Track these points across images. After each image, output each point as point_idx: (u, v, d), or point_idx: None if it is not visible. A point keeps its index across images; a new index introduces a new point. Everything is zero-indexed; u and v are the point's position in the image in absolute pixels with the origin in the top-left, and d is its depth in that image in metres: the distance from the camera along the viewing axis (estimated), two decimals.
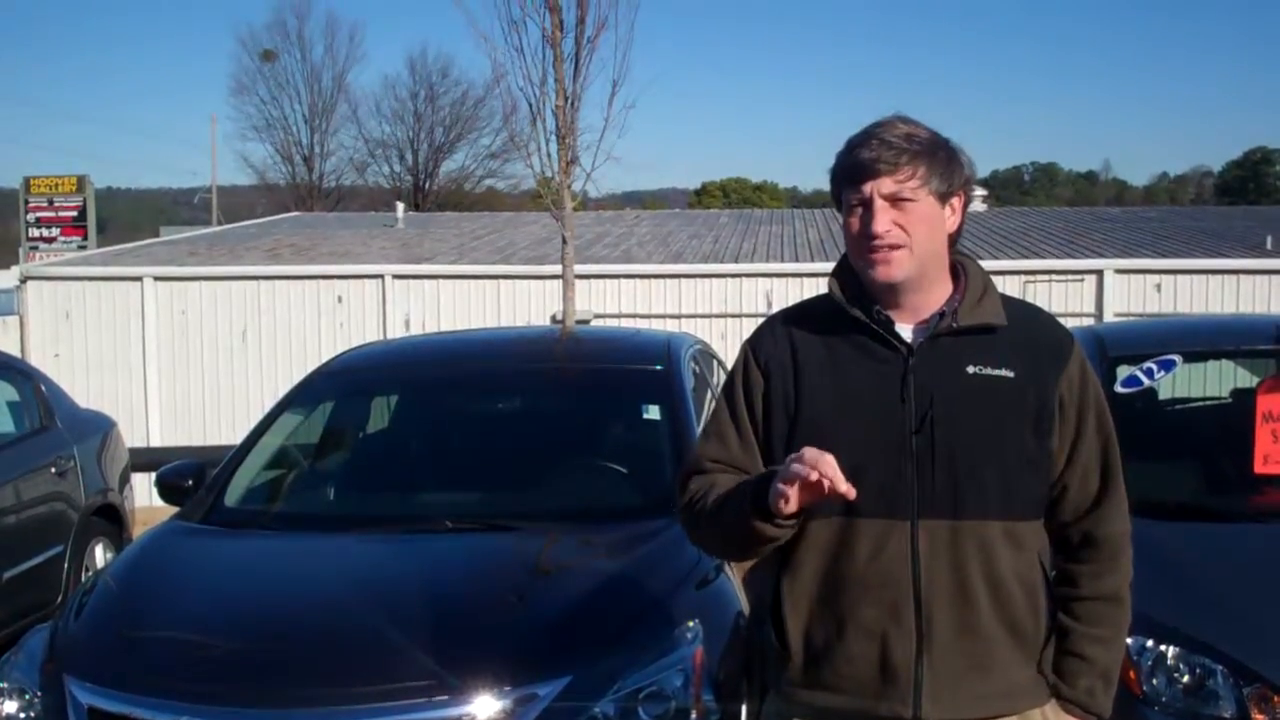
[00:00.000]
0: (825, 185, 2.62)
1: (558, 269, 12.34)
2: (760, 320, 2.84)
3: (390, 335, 15.99)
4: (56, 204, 30.22)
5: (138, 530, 7.89)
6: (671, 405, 5.30)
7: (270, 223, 27.39)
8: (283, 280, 17.54)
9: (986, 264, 2.69)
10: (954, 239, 2.57)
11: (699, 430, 4.88)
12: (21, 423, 7.92)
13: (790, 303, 2.83)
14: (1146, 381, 5.18)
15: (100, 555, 8.13)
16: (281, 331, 17.27)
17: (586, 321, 15.26)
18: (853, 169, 2.47)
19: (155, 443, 16.49)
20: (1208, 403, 6.97)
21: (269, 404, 6.05)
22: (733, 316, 16.65)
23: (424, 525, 4.71)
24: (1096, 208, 40.97)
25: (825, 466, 2.25)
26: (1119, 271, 16.53)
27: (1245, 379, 6.19)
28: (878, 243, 2.45)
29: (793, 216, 25.65)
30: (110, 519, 8.42)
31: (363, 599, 4.10)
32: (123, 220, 59.62)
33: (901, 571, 2.46)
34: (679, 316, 16.57)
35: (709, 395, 5.83)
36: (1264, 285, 16.27)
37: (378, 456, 5.81)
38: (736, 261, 17.79)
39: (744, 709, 3.90)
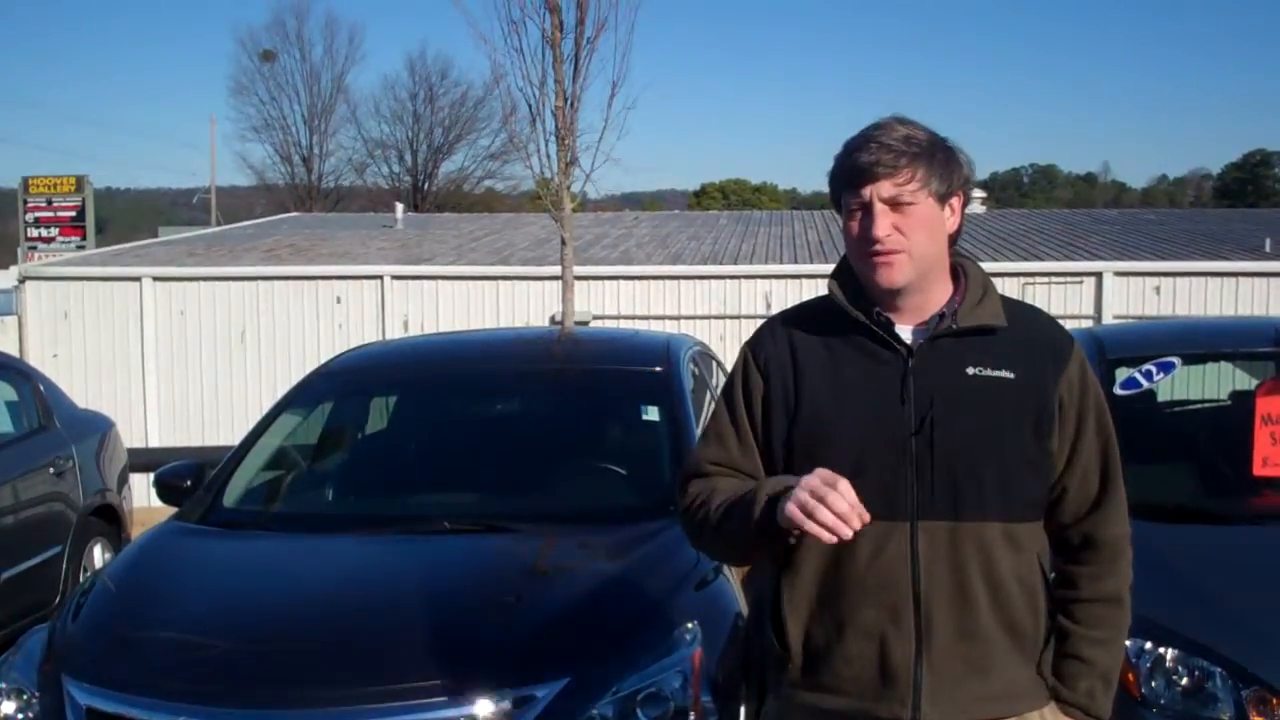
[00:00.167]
0: (824, 187, 2.62)
1: (557, 270, 12.36)
2: (759, 322, 2.84)
3: (389, 336, 16.00)
4: (55, 204, 30.23)
5: (136, 531, 7.89)
6: (671, 406, 5.30)
7: (269, 223, 27.42)
8: (281, 281, 17.56)
9: (985, 266, 2.69)
10: (954, 239, 2.57)
11: (698, 432, 4.89)
12: (20, 423, 7.91)
13: (789, 304, 2.83)
14: (1145, 383, 5.18)
15: (98, 556, 8.12)
16: (280, 332, 17.28)
17: (585, 323, 15.27)
18: (851, 172, 2.47)
19: (154, 443, 16.50)
20: (1206, 405, 6.97)
21: (267, 404, 6.05)
22: (732, 318, 16.68)
23: (422, 526, 4.70)
24: (1095, 210, 40.99)
25: (837, 502, 2.24)
26: (1118, 274, 16.56)
27: (1244, 381, 6.19)
28: (878, 247, 2.45)
29: (792, 218, 25.68)
30: (109, 519, 8.41)
31: (361, 600, 4.10)
32: (121, 221, 59.64)
33: (901, 573, 2.45)
34: (678, 318, 16.59)
35: (708, 396, 5.82)
36: (1262, 287, 16.30)
37: (376, 457, 5.81)
38: (736, 263, 17.82)
39: (742, 710, 3.90)
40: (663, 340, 6.33)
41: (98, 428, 8.77)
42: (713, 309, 16.91)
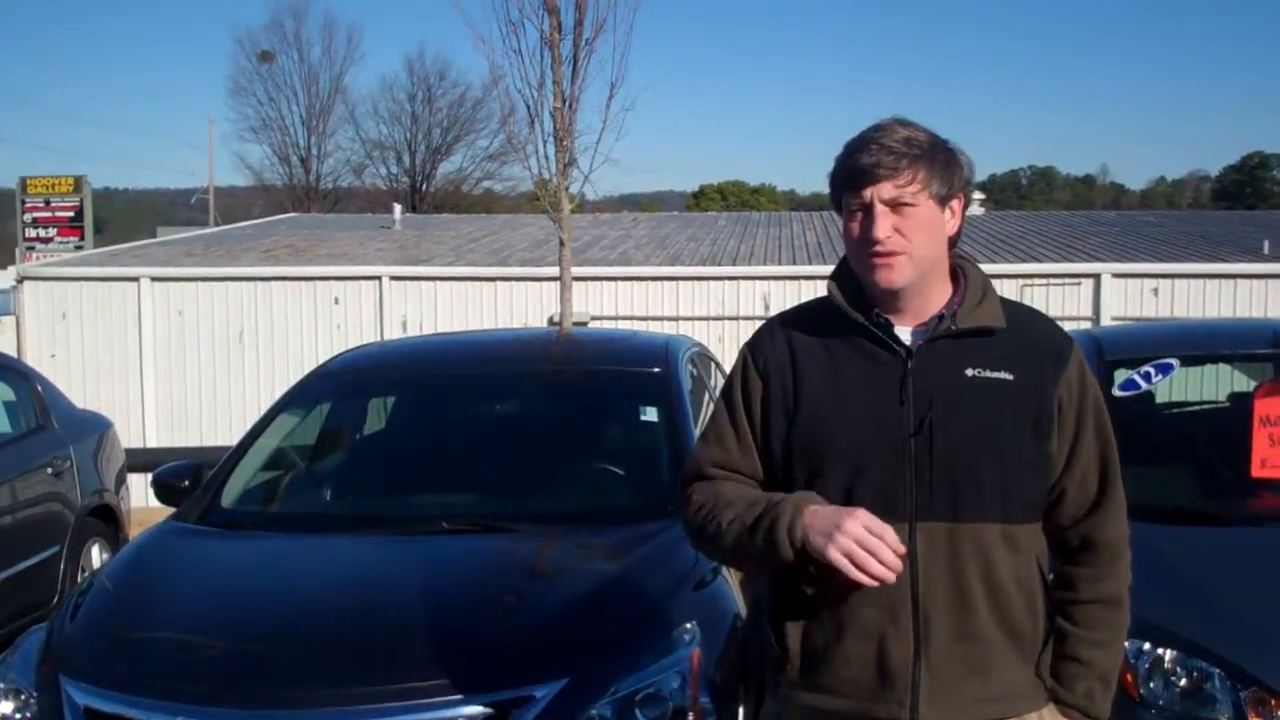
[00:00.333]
0: (823, 188, 2.62)
1: (555, 271, 12.35)
2: (758, 323, 2.84)
3: (387, 337, 15.99)
4: (53, 204, 30.22)
5: (134, 531, 7.88)
6: (669, 407, 5.30)
7: (267, 224, 27.41)
8: (280, 281, 17.56)
9: (983, 267, 2.68)
10: (953, 241, 2.57)
11: (697, 433, 4.89)
12: (18, 423, 7.91)
13: (788, 305, 2.83)
14: (1144, 385, 5.18)
15: (96, 556, 8.12)
16: (278, 332, 17.28)
17: (584, 323, 15.27)
18: (852, 174, 2.47)
19: (152, 443, 16.49)
20: (1205, 406, 6.98)
21: (266, 405, 6.05)
22: (730, 319, 16.68)
23: (421, 527, 4.70)
24: (1094, 211, 40.99)
25: (885, 554, 2.31)
26: (1116, 275, 16.57)
27: (1242, 383, 6.20)
28: (878, 248, 2.45)
29: (791, 219, 25.67)
30: (106, 520, 8.41)
31: (359, 600, 4.10)
32: (120, 221, 59.61)
33: (899, 574, 2.45)
34: (676, 319, 16.59)
35: (706, 397, 5.82)
36: (1260, 289, 16.31)
37: (375, 458, 5.81)
38: (734, 264, 17.82)
39: (741, 711, 3.90)
40: (661, 341, 6.33)
41: (96, 428, 8.77)
42: (711, 310, 16.91)
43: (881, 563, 2.31)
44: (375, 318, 17.25)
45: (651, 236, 21.93)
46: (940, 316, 2.54)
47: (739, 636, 4.05)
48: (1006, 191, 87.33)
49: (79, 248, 28.31)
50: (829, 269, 2.67)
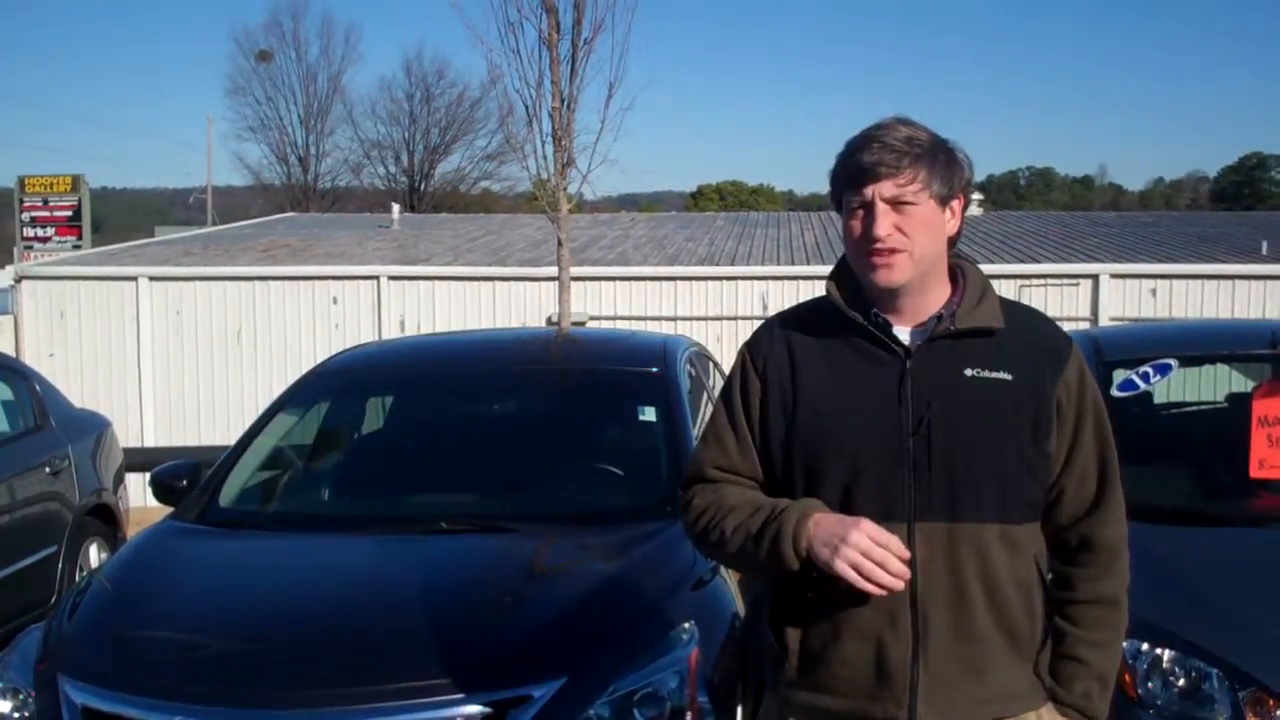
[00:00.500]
0: (822, 188, 2.62)
1: (553, 271, 12.34)
2: (756, 323, 2.84)
3: (385, 336, 15.99)
4: (51, 203, 30.17)
5: (132, 530, 7.88)
6: (668, 407, 5.30)
7: (265, 223, 27.42)
8: (278, 281, 17.56)
9: (982, 268, 2.68)
10: (953, 241, 2.57)
11: (696, 433, 4.90)
12: (16, 422, 7.91)
13: (786, 305, 2.83)
14: (1142, 385, 5.18)
15: (94, 555, 8.11)
16: (276, 332, 17.28)
17: (582, 323, 15.26)
18: (853, 172, 2.47)
19: (150, 443, 16.50)
20: (1203, 407, 6.98)
21: (264, 404, 6.05)
22: (729, 319, 16.69)
23: (419, 526, 4.70)
24: (1092, 212, 40.99)
25: (893, 564, 2.34)
26: (1114, 276, 16.58)
27: (1240, 383, 6.20)
28: (879, 246, 2.45)
29: (789, 219, 25.66)
30: (104, 519, 8.41)
31: (357, 600, 4.10)
32: (118, 220, 59.55)
33: None
34: (675, 319, 16.59)
35: (705, 397, 5.83)
36: (1259, 290, 16.33)
37: (373, 457, 5.81)
38: (732, 264, 17.82)
39: (739, 710, 3.90)
40: (659, 341, 6.32)
41: (94, 427, 8.77)
42: (709, 310, 16.92)
43: (889, 572, 2.33)
44: (373, 317, 17.25)
45: (650, 236, 21.94)
46: (939, 316, 2.54)
47: (737, 636, 4.05)
48: (1005, 192, 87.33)
49: (77, 247, 28.27)
50: (827, 269, 2.67)
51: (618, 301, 17.07)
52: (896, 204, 2.44)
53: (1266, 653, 3.82)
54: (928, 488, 2.45)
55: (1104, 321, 15.98)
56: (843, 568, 2.34)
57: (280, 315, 17.34)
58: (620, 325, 16.35)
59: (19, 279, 17.77)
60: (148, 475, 5.43)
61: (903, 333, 2.54)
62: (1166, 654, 3.90)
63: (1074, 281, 16.63)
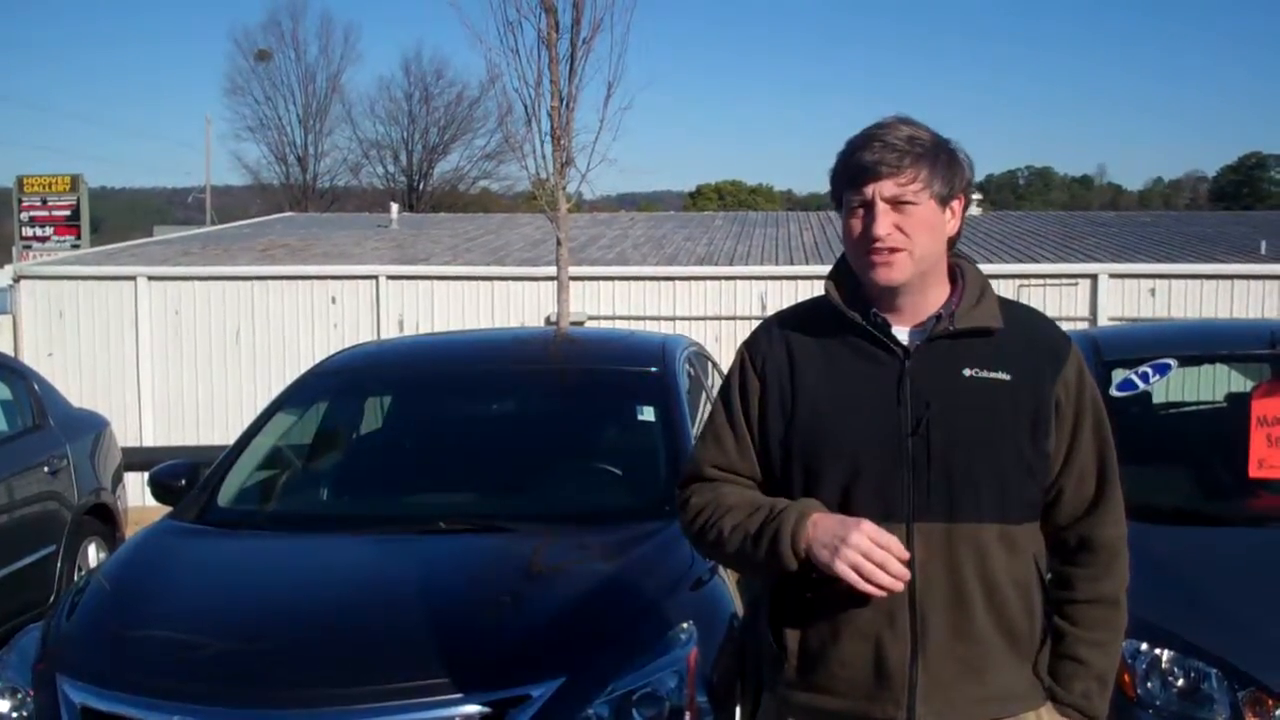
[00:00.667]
0: (821, 188, 2.63)
1: (552, 270, 12.34)
2: (755, 323, 2.84)
3: (384, 336, 15.99)
4: (50, 203, 30.15)
5: (131, 530, 7.88)
6: (666, 407, 5.30)
7: (264, 223, 27.42)
8: (276, 281, 17.56)
9: (981, 268, 2.68)
10: (953, 241, 2.56)
11: (694, 432, 4.89)
12: (14, 422, 7.90)
13: (785, 305, 2.83)
14: (1142, 385, 5.18)
15: (93, 555, 8.11)
16: (275, 332, 17.27)
17: (581, 323, 15.26)
18: (854, 171, 2.46)
19: (148, 442, 16.50)
20: (1202, 407, 6.98)
21: (262, 404, 6.05)
22: (727, 319, 16.68)
23: (418, 526, 4.70)
24: (1091, 212, 41.00)
25: (893, 565, 2.34)
26: (1113, 276, 16.58)
27: (1239, 383, 6.19)
28: (879, 245, 2.44)
29: (788, 219, 25.66)
30: (103, 518, 8.40)
31: (355, 599, 4.09)
32: (116, 220, 59.54)
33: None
34: (673, 319, 16.60)
35: (704, 397, 5.82)
36: (1258, 290, 16.33)
37: (371, 457, 5.80)
38: (731, 264, 17.82)
39: (737, 710, 3.90)
40: (658, 341, 6.32)
41: (92, 427, 8.76)
42: (708, 310, 16.92)
43: (889, 573, 2.33)
44: (372, 317, 17.24)
45: (648, 236, 21.94)
46: (938, 316, 2.54)
47: (736, 636, 4.05)
48: (1004, 191, 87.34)
49: (76, 246, 28.26)
50: (826, 269, 2.67)
51: (616, 301, 17.07)
52: (897, 203, 2.43)
53: (1265, 653, 3.82)
54: (926, 488, 2.45)
55: (1103, 321, 15.99)
56: (843, 569, 2.34)
57: (279, 315, 17.33)
58: (619, 325, 16.35)
59: (18, 278, 17.76)
60: (146, 475, 5.43)
61: (902, 333, 2.54)
62: (1166, 654, 3.89)
63: (1073, 281, 16.63)
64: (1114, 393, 5.10)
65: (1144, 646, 3.89)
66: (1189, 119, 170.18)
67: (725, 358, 3.20)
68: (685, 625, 3.81)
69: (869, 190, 2.44)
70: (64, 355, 17.13)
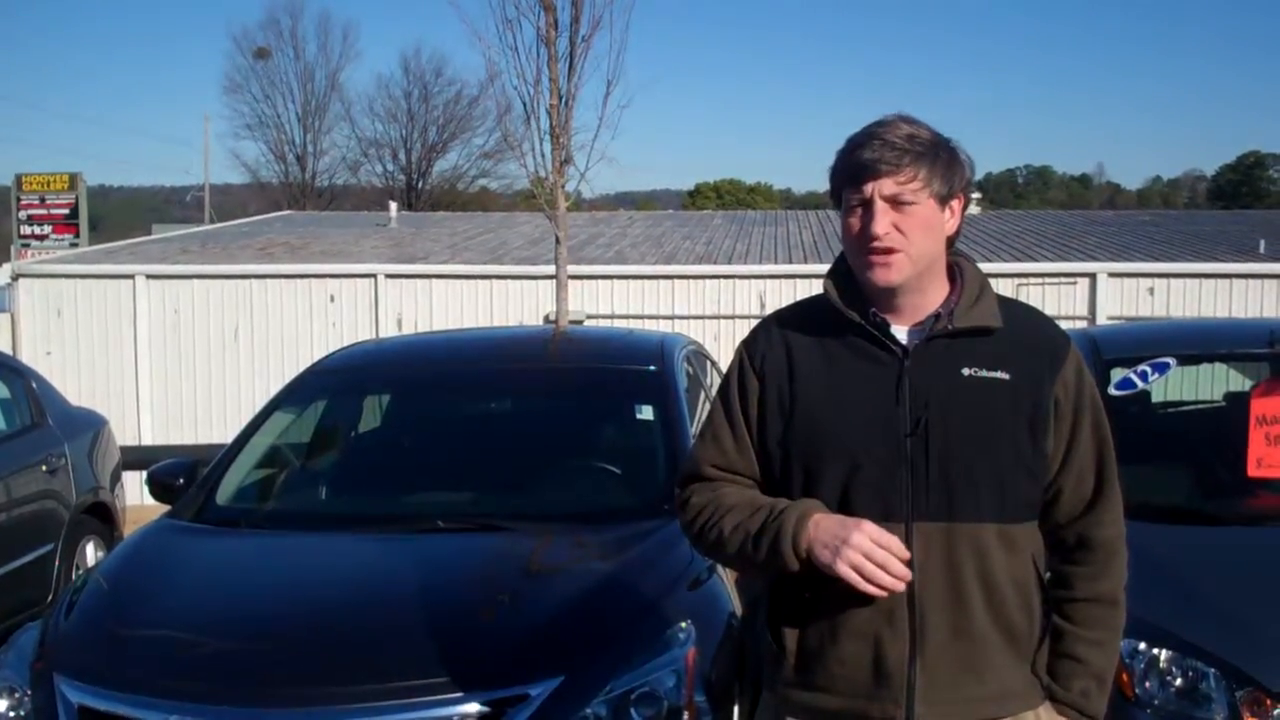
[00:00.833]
0: (819, 187, 2.64)
1: (551, 269, 12.34)
2: (754, 321, 2.83)
3: (383, 335, 15.98)
4: (48, 201, 30.11)
5: (129, 529, 7.88)
6: (665, 406, 5.30)
7: (263, 221, 27.37)
8: (275, 279, 17.53)
9: (979, 267, 2.68)
10: (952, 241, 2.56)
11: (693, 431, 4.89)
12: (12, 420, 7.91)
13: (784, 304, 2.82)
14: (1141, 384, 5.18)
15: (91, 553, 8.12)
16: (274, 330, 17.25)
17: (579, 322, 15.26)
18: (854, 168, 2.46)
19: (147, 441, 16.47)
20: (1201, 406, 6.98)
21: (261, 403, 6.04)
22: (726, 318, 16.66)
23: (416, 525, 4.70)
24: (1090, 211, 40.99)
25: (895, 566, 2.35)
26: (1112, 275, 16.55)
27: (1238, 382, 6.20)
28: (876, 244, 2.44)
29: (786, 218, 25.63)
30: (101, 517, 8.41)
31: (354, 599, 4.10)
32: (115, 218, 59.55)
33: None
34: (672, 318, 16.57)
35: (702, 396, 5.82)
36: (1256, 289, 16.30)
37: (370, 456, 5.80)
38: (730, 263, 17.79)
39: (736, 709, 3.90)
40: (657, 339, 6.32)
41: (91, 425, 8.77)
42: (707, 309, 16.89)
43: (890, 574, 2.34)
44: (371, 315, 17.22)
45: (647, 235, 21.92)
46: (937, 316, 2.53)
47: (734, 635, 4.06)
48: (1003, 190, 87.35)
49: (74, 245, 28.22)
50: (825, 268, 2.67)
51: (615, 300, 17.04)
52: (896, 202, 2.43)
53: (1264, 652, 3.82)
54: (925, 488, 2.45)
55: (1101, 320, 15.96)
56: (844, 570, 2.34)
57: (278, 313, 17.31)
58: (618, 324, 16.33)
59: (16, 277, 17.73)
60: (144, 473, 5.42)
61: (900, 332, 2.54)
62: (1164, 653, 3.90)
63: (1071, 280, 16.60)
64: (1113, 392, 5.10)
65: (1142, 646, 3.90)
66: (1188, 118, 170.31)
67: (724, 356, 3.20)
68: (684, 624, 3.81)
69: (868, 188, 2.44)
70: (62, 354, 17.10)
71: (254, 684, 3.59)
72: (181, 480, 5.18)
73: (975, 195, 25.28)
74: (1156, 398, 6.29)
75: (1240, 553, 4.49)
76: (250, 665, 3.72)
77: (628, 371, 5.75)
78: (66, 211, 30.08)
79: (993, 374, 2.50)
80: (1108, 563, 2.60)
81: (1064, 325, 2.89)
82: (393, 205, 27.42)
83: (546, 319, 15.73)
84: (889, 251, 2.44)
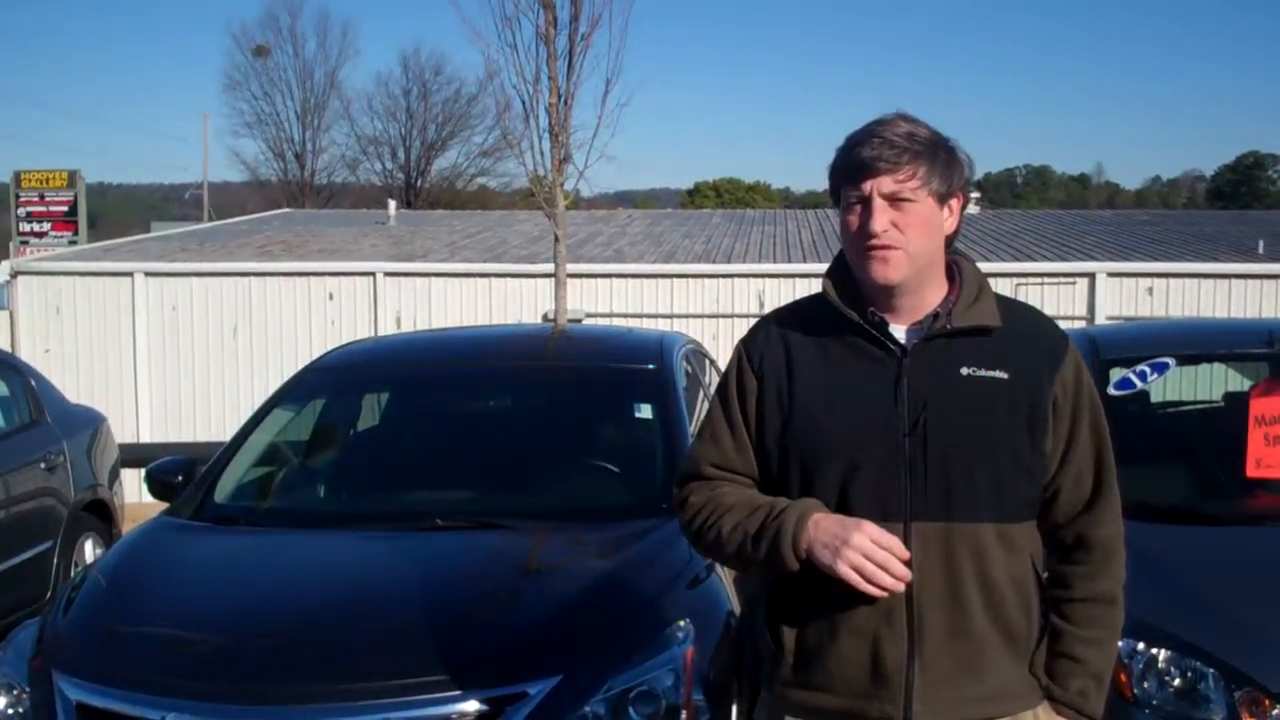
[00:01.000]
0: (818, 186, 2.64)
1: (550, 268, 12.34)
2: (753, 320, 2.83)
3: (381, 333, 15.98)
4: (47, 199, 30.08)
5: (127, 526, 7.88)
6: (664, 404, 5.30)
7: (261, 219, 27.38)
8: (274, 277, 17.53)
9: (978, 266, 2.68)
10: (950, 240, 2.56)
11: (691, 430, 4.89)
12: (11, 418, 7.90)
13: (783, 303, 2.82)
14: (1140, 384, 5.18)
15: (89, 551, 8.11)
16: (272, 328, 17.25)
17: (578, 320, 15.26)
18: (853, 166, 2.46)
19: (145, 438, 16.48)
20: (1200, 406, 6.98)
21: (259, 400, 6.04)
22: (725, 317, 16.66)
23: (414, 523, 4.70)
24: (1089, 211, 40.94)
25: (896, 567, 2.36)
26: (1111, 275, 16.56)
27: (1237, 382, 6.20)
28: (875, 242, 2.44)
29: (785, 217, 25.62)
30: (100, 515, 8.41)
31: (352, 596, 4.10)
32: (114, 216, 59.58)
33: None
34: (671, 316, 16.57)
35: (701, 394, 5.82)
36: (1255, 289, 16.31)
37: (368, 454, 5.80)
38: (729, 262, 17.80)
39: (734, 708, 3.90)
40: (655, 338, 6.33)
41: (89, 423, 8.76)
42: (706, 308, 16.89)
43: (890, 574, 2.34)
44: (369, 314, 17.22)
45: (646, 233, 21.92)
46: (935, 315, 2.53)
47: (732, 634, 4.06)
48: (1002, 190, 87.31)
49: (73, 242, 28.20)
50: (824, 267, 2.67)
51: (614, 298, 17.04)
52: (894, 200, 2.43)
53: (1262, 652, 3.82)
54: (924, 487, 2.45)
55: (1100, 320, 15.96)
56: (845, 570, 2.34)
57: (276, 311, 17.31)
58: (616, 322, 16.33)
59: (15, 274, 17.72)
60: (143, 471, 5.42)
61: (899, 331, 2.54)
62: (1162, 653, 3.90)
63: (1070, 280, 16.61)
64: (1112, 391, 5.10)
65: (1141, 646, 3.90)
66: (1187, 118, 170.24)
67: (723, 355, 3.19)
68: (682, 623, 3.81)
69: (867, 186, 2.44)
70: (61, 351, 17.10)
71: (252, 681, 3.59)
72: (180, 478, 5.18)
73: (974, 195, 25.27)
74: (1155, 398, 6.29)
75: (1239, 553, 4.48)
76: (248, 663, 3.72)
77: (627, 370, 5.75)
78: (65, 209, 30.05)
79: (991, 373, 2.50)
80: (1106, 562, 2.60)
81: (1063, 325, 2.88)
82: (391, 203, 27.43)
83: (545, 317, 15.74)
84: (887, 249, 2.44)
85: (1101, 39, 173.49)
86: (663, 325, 15.29)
